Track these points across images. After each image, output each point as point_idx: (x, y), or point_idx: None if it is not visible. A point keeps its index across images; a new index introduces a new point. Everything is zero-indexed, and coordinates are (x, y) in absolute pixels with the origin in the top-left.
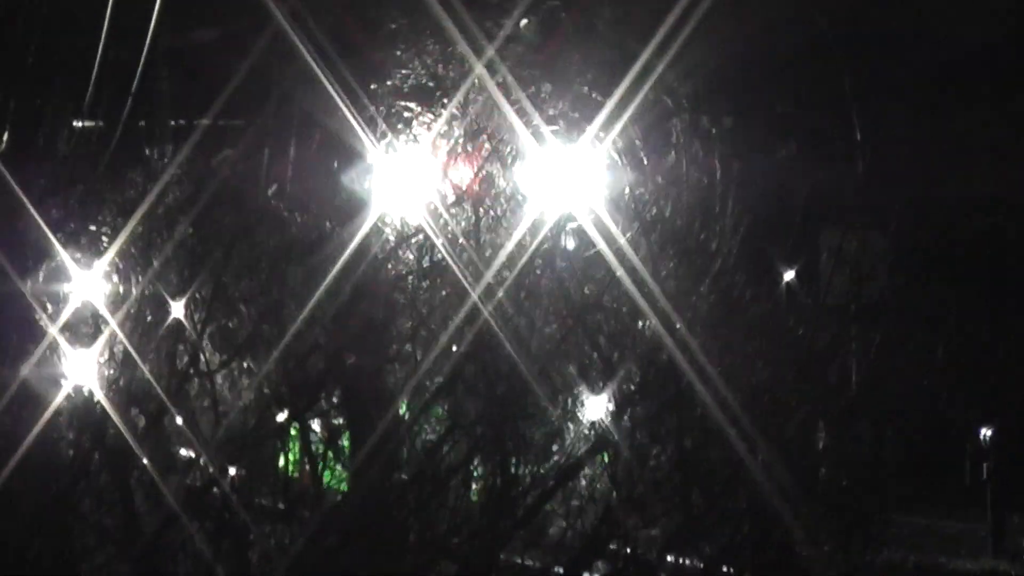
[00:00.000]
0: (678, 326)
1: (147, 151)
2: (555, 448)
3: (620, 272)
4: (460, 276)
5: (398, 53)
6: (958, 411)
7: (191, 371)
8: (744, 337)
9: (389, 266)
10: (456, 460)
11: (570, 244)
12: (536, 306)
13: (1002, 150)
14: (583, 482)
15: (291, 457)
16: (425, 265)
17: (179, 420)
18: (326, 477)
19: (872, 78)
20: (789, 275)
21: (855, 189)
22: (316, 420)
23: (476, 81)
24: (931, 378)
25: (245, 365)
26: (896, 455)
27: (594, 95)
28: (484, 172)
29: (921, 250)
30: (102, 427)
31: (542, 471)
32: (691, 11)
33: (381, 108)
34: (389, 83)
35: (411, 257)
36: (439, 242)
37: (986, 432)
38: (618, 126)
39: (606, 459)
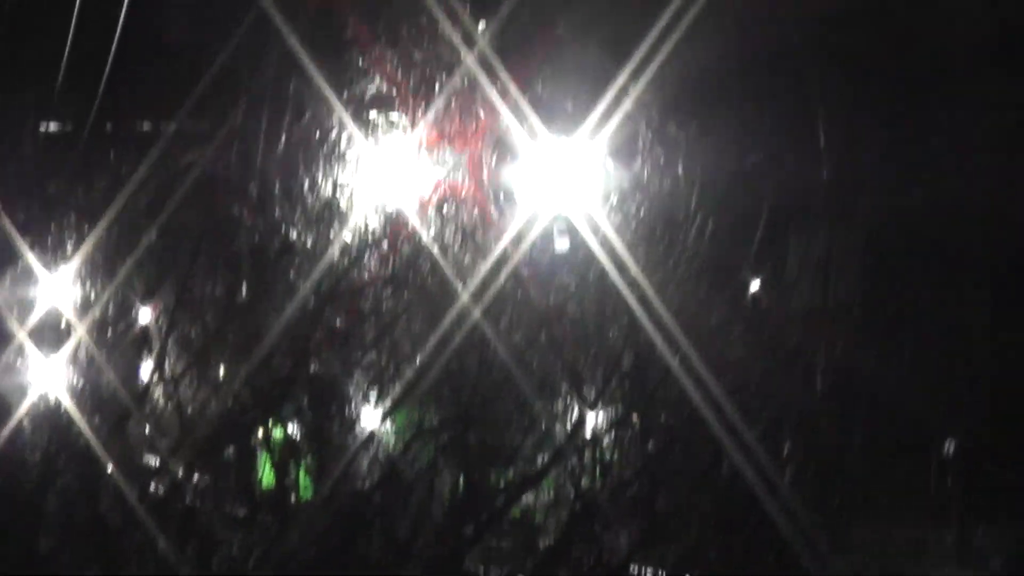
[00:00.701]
0: (642, 331)
1: (113, 154)
2: (521, 454)
3: (587, 279)
4: (427, 282)
5: (366, 60)
6: (925, 418)
7: (156, 376)
8: (711, 339)
9: (354, 272)
10: (421, 467)
11: (536, 251)
12: (501, 314)
13: (969, 153)
14: (550, 489)
15: (258, 463)
16: (390, 272)
17: (144, 425)
18: (295, 483)
19: (840, 83)
20: (756, 279)
21: (824, 192)
22: (280, 426)
23: (446, 92)
24: (898, 384)
25: (210, 371)
26: (862, 460)
27: (566, 106)
28: (452, 179)
29: (888, 254)
30: (68, 431)
31: (507, 477)
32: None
33: (349, 114)
34: (357, 91)
35: (375, 264)
36: (404, 249)
37: (951, 442)
38: (588, 136)
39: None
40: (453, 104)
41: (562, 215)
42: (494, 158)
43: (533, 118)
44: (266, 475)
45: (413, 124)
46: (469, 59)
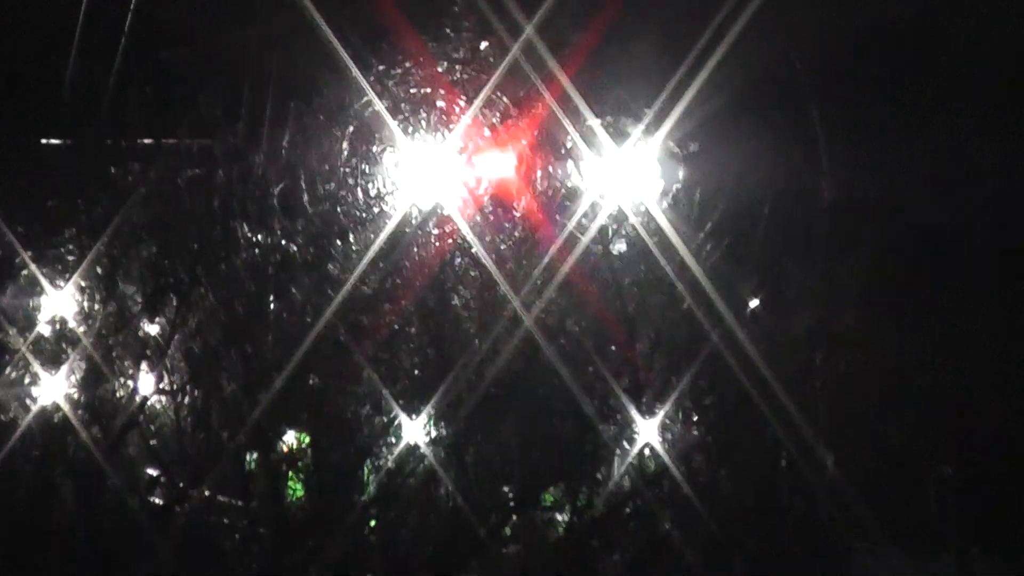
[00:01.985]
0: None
1: (114, 169)
2: (520, 469)
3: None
4: (424, 296)
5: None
6: (923, 444)
7: (156, 388)
8: (708, 363)
9: (350, 286)
10: (420, 481)
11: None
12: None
13: (969, 181)
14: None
15: (258, 476)
16: (388, 286)
17: (144, 437)
18: (295, 496)
19: (841, 109)
20: (754, 303)
21: (824, 218)
22: (281, 439)
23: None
24: (896, 410)
25: (211, 383)
26: (860, 485)
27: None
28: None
29: (888, 281)
30: (68, 443)
31: (507, 493)
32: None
33: (351, 128)
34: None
35: (373, 277)
36: (401, 261)
37: (950, 467)
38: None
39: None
40: (498, 99)
41: (617, 216)
42: (543, 157)
43: (585, 114)
44: (266, 488)
45: (448, 121)
46: (516, 50)
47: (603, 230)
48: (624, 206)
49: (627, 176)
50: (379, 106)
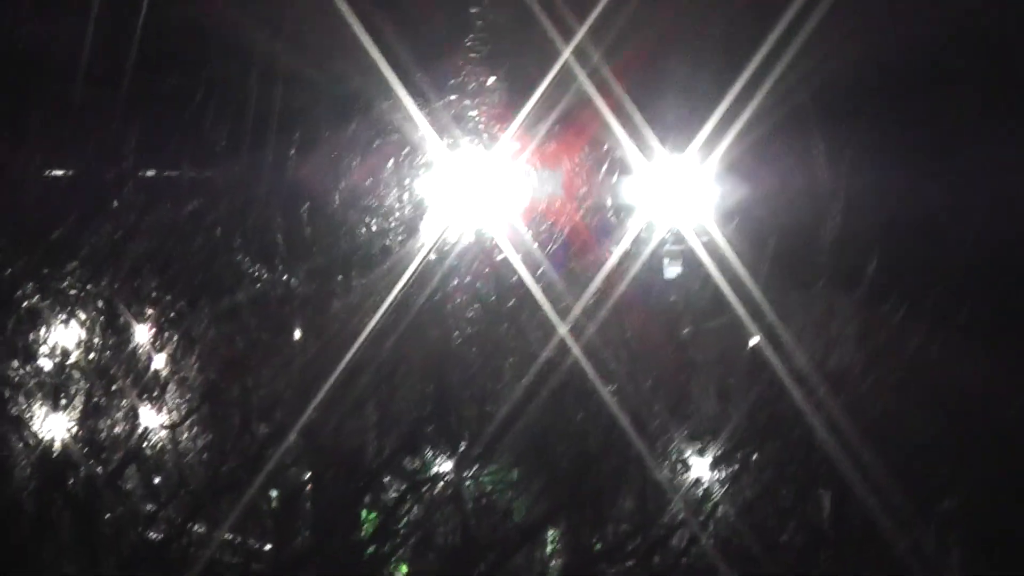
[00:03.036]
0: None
1: (115, 202)
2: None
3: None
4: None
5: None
6: (927, 474)
7: (155, 422)
8: (708, 397)
9: (354, 320)
10: (419, 516)
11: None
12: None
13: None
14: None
15: (256, 512)
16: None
17: (142, 472)
18: (293, 532)
19: (843, 138)
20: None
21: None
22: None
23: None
24: (897, 442)
25: (210, 418)
26: (857, 523)
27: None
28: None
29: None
30: (66, 478)
31: (505, 530)
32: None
33: (356, 161)
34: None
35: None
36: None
37: (953, 499)
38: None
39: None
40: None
41: (671, 236)
42: (594, 172)
43: (638, 129)
44: (264, 524)
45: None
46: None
47: (655, 251)
48: (675, 226)
49: (676, 195)
50: (391, 136)
